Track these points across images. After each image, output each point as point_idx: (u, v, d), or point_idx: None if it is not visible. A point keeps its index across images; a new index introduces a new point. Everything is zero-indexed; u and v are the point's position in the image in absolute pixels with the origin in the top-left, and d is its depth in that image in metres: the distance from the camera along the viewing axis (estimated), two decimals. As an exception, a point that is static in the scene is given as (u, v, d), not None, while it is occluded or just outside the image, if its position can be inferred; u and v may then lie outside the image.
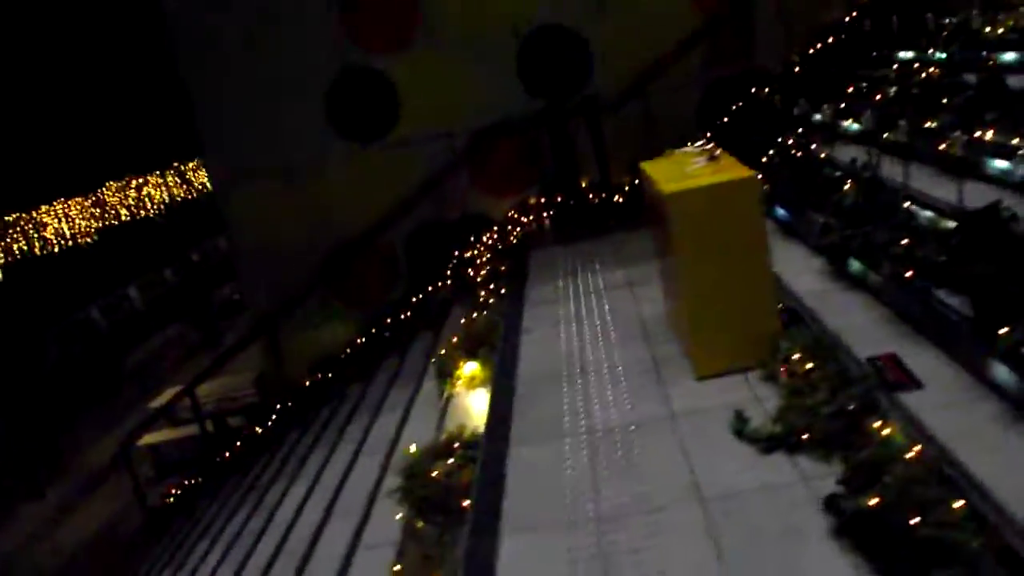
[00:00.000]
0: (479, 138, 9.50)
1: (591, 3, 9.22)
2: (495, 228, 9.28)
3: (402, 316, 9.43)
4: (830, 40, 8.91)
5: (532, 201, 9.40)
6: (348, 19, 9.37)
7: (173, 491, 10.52)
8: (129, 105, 21.02)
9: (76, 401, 15.91)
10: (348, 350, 9.67)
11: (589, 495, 3.61)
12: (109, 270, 20.95)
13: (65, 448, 14.18)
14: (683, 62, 9.21)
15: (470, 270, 8.71)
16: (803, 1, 9.09)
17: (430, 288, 9.38)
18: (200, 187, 25.80)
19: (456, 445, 4.34)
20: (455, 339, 6.08)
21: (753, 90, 9.09)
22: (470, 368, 5.69)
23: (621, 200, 8.87)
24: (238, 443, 10.10)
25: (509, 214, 9.40)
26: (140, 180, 23.41)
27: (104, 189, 21.83)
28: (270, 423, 9.77)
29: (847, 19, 8.92)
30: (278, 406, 9.84)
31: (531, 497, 3.68)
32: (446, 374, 5.78)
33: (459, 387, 5.64)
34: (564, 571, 3.14)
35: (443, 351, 6.00)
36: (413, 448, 4.45)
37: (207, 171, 10.07)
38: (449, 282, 9.31)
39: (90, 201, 21.94)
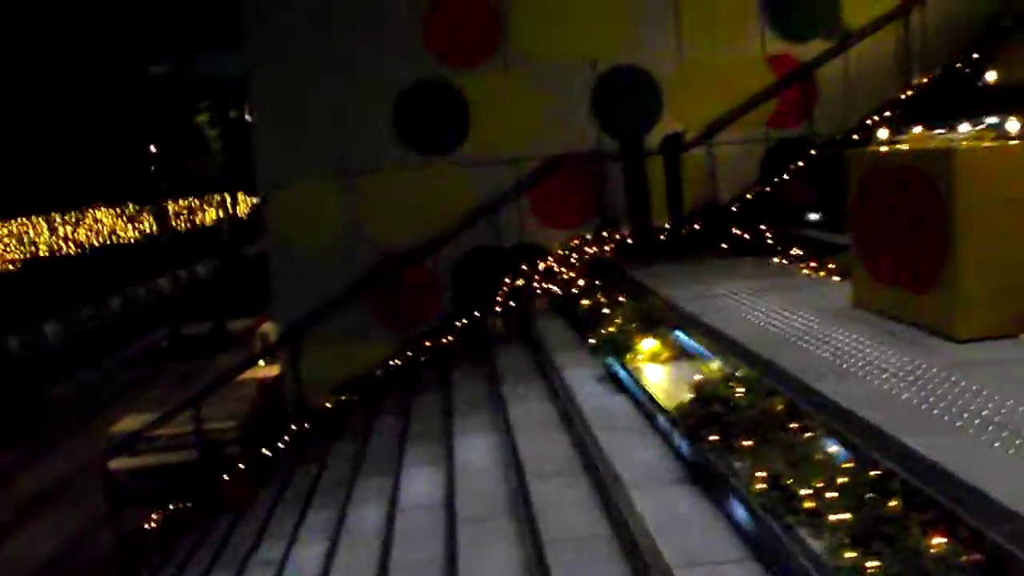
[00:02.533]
0: (546, 166, 9.45)
1: (670, 47, 9.50)
2: (562, 253, 9.15)
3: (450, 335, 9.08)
4: (887, 113, 9.44)
5: (591, 235, 9.37)
6: (428, 29, 9.30)
7: (156, 516, 9.49)
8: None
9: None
10: (394, 363, 9.20)
11: (973, 403, 3.43)
12: (29, 303, 19.45)
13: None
14: (751, 117, 9.55)
15: (551, 287, 8.52)
16: (866, 74, 9.62)
17: (497, 306, 9.09)
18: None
19: (732, 384, 4.08)
20: (617, 320, 5.83)
21: (813, 151, 9.46)
22: (649, 344, 5.46)
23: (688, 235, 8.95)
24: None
25: (575, 242, 9.31)
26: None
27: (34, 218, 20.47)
28: (295, 437, 9.03)
29: (903, 95, 9.50)
30: (305, 424, 9.13)
31: (898, 411, 3.45)
32: (622, 351, 5.49)
33: (641, 362, 5.39)
34: None
35: (610, 329, 5.71)
36: (697, 376, 4.17)
37: (256, 167, 9.53)
38: (509, 302, 9.07)
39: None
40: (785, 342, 4.74)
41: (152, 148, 20.33)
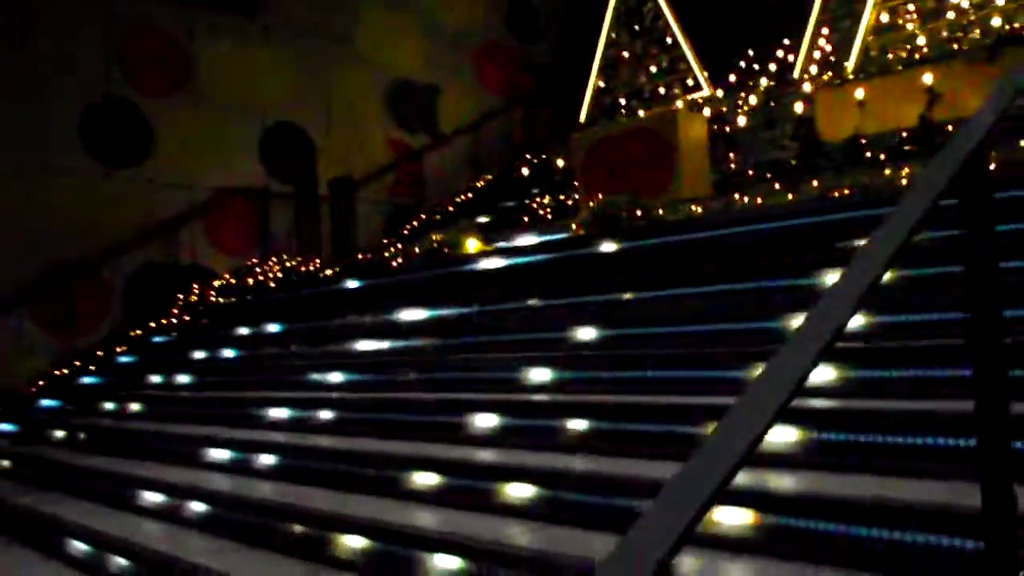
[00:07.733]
0: (222, 197, 10.28)
1: (321, 112, 11.37)
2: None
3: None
4: (468, 196, 12.56)
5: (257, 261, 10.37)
6: (123, 54, 9.73)
7: None
8: None
9: None
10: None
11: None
12: None
13: None
14: (380, 183, 11.80)
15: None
16: (455, 167, 12.68)
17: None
18: None
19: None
20: (436, 238, 7.45)
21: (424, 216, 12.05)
22: (474, 243, 7.23)
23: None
24: None
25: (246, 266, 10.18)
26: None
27: None
28: None
29: (475, 184, 12.74)
30: None
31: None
32: (454, 247, 7.16)
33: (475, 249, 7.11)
34: None
35: (437, 236, 7.30)
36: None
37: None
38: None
39: None
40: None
41: None
